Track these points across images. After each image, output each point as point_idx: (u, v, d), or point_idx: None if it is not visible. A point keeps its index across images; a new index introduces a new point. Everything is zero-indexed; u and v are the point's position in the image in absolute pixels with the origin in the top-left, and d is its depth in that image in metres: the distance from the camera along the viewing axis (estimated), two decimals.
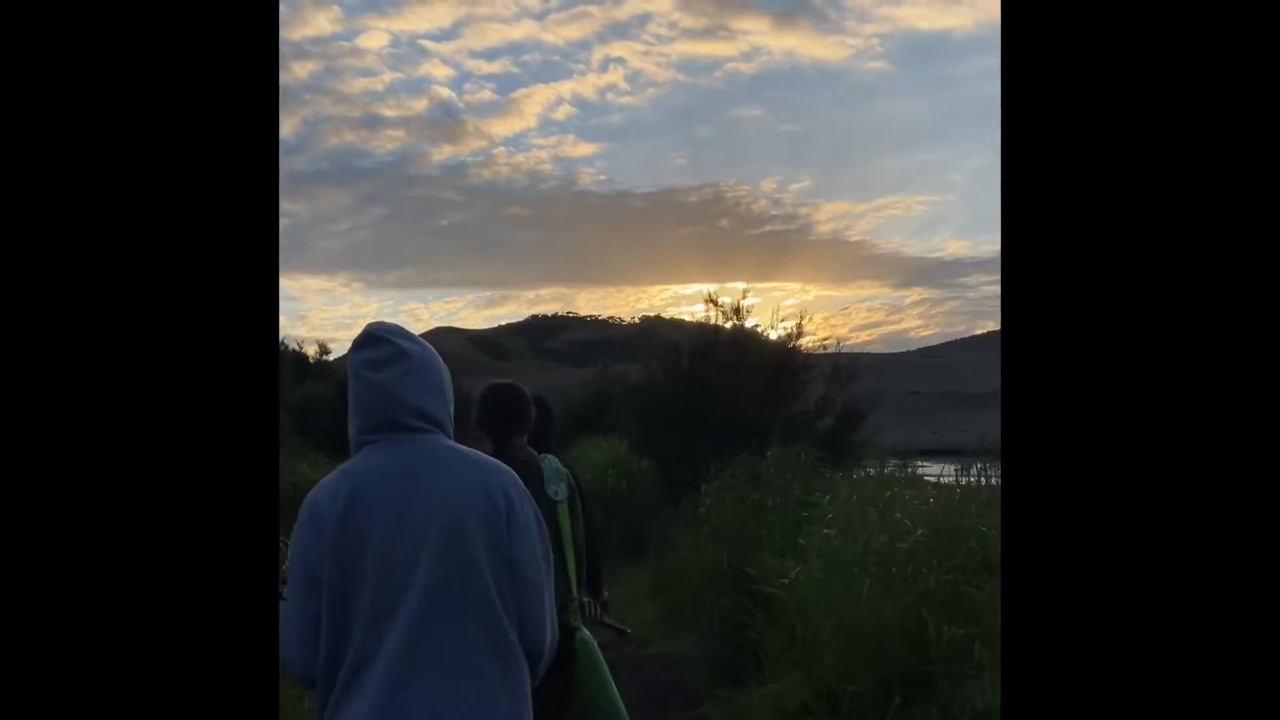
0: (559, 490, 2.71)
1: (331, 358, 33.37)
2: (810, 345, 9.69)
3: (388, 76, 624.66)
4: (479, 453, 1.79)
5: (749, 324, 9.92)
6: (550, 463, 2.75)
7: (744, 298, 9.86)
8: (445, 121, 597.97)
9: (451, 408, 1.81)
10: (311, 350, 32.83)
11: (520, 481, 1.77)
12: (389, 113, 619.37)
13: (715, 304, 9.62)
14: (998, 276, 1.32)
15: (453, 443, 1.77)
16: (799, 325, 9.44)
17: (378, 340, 1.73)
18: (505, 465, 1.78)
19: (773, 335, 9.57)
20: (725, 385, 9.07)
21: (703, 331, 9.83)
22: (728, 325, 9.67)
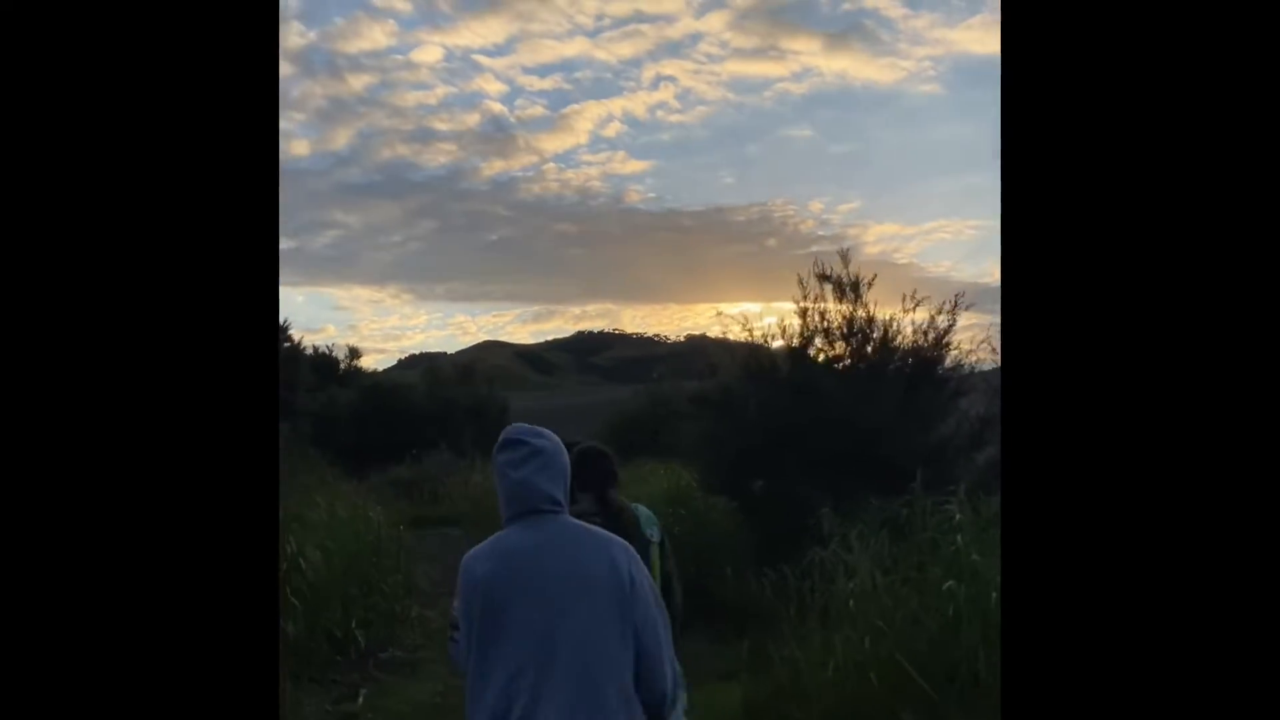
0: (653, 532, 3.06)
1: (367, 365, 31.07)
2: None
3: (441, 90, 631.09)
4: (599, 528, 2.12)
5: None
6: (642, 510, 3.14)
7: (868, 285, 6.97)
8: (497, 136, 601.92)
9: (568, 488, 2.16)
10: (342, 355, 30.63)
11: (634, 551, 2.09)
12: (441, 126, 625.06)
13: (827, 279, 6.77)
14: None
15: (576, 521, 2.12)
16: (950, 319, 6.61)
17: (517, 443, 2.11)
18: (620, 538, 2.11)
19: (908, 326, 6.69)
20: (844, 397, 6.31)
21: (806, 325, 6.96)
22: (840, 316, 6.83)
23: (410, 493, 16.20)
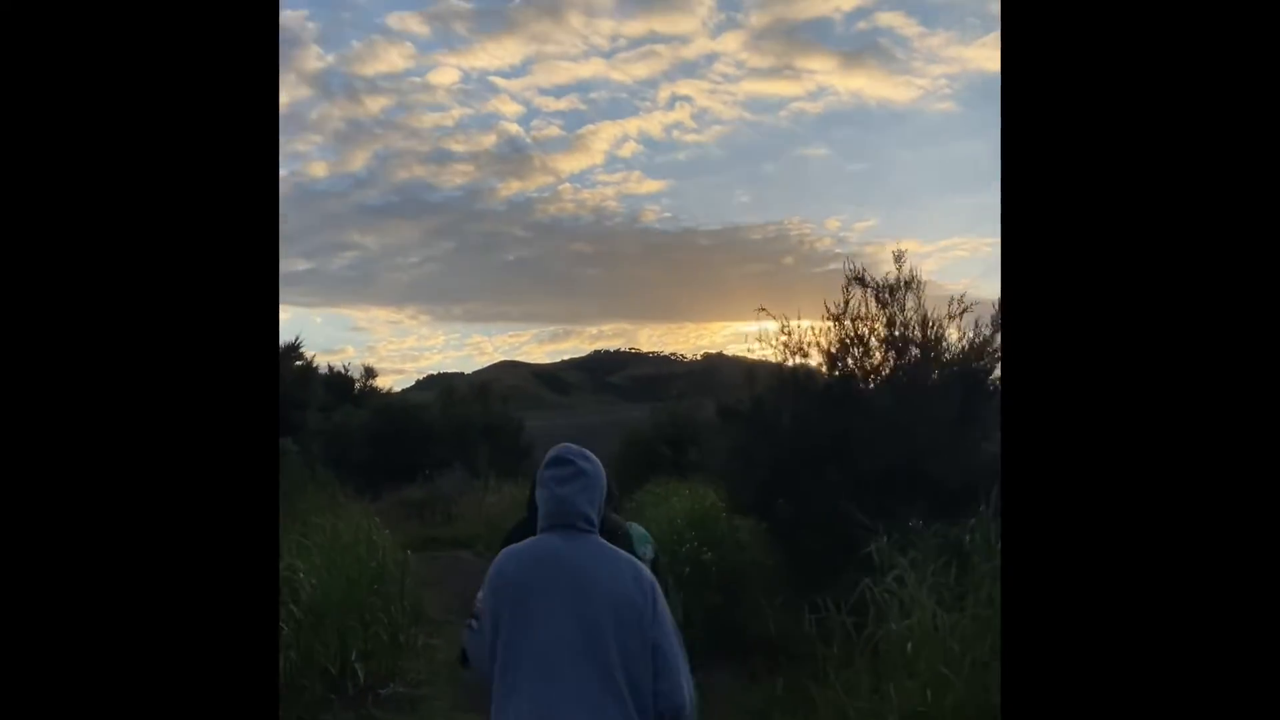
0: (646, 551, 3.12)
1: (384, 386, 30.55)
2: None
3: (457, 112, 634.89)
4: (625, 551, 2.31)
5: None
6: (636, 528, 3.25)
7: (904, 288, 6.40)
8: (513, 157, 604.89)
9: (602, 508, 2.37)
10: (357, 375, 30.16)
11: (653, 575, 2.25)
12: (458, 148, 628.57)
13: (862, 283, 6.22)
14: None
15: (605, 541, 2.30)
16: (993, 326, 6.04)
17: (564, 462, 2.33)
18: (640, 561, 2.29)
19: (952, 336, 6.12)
20: (888, 410, 5.75)
21: (844, 331, 6.40)
22: (880, 319, 6.28)
23: (423, 513, 15.75)
